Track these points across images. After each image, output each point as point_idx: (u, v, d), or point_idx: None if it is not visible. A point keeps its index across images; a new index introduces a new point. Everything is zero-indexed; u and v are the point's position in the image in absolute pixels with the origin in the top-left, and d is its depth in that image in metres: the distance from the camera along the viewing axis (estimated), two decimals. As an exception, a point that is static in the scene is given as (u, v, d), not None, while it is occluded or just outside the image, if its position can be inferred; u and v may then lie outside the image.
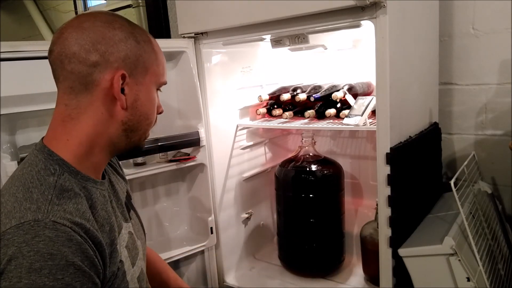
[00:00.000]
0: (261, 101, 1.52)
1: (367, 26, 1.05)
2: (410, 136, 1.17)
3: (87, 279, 0.63)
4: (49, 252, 0.59)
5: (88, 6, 3.24)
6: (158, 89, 0.78)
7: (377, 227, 1.18)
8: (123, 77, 0.70)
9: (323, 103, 1.37)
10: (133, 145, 0.77)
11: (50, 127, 0.72)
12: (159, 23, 2.01)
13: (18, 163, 1.01)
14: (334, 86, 1.39)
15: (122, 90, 0.70)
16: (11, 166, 1.01)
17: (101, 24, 0.70)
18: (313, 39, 1.24)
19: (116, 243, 0.73)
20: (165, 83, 0.80)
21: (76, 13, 3.24)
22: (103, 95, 0.69)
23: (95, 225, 0.67)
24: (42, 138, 0.73)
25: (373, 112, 1.25)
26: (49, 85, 1.05)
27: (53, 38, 0.70)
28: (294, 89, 1.50)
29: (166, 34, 2.03)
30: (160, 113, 0.81)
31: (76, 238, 0.62)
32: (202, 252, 1.47)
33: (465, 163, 1.18)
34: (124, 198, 0.86)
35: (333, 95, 1.33)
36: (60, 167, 0.68)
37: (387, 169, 1.06)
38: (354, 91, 1.37)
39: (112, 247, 0.71)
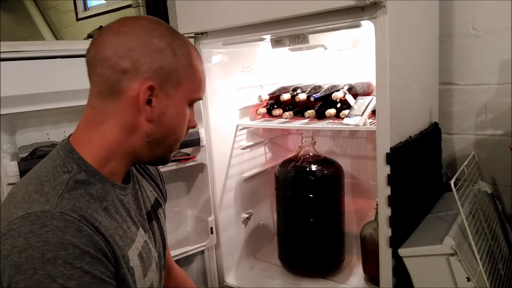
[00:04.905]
0: (261, 101, 1.52)
1: (367, 26, 1.05)
2: (410, 136, 1.17)
3: (105, 267, 0.62)
4: (59, 241, 0.58)
5: (88, 6, 3.24)
6: (191, 104, 0.75)
7: (377, 227, 1.18)
8: (151, 88, 0.67)
9: (323, 103, 1.37)
10: (156, 158, 0.75)
11: (77, 126, 0.72)
12: (159, 23, 2.01)
13: (18, 163, 1.01)
14: (334, 86, 1.39)
15: (150, 102, 0.68)
16: (11, 166, 1.01)
17: (140, 30, 0.68)
18: (313, 39, 1.24)
19: (127, 249, 0.70)
20: (199, 99, 0.76)
21: (76, 13, 3.24)
22: (129, 104, 0.67)
23: (105, 225, 0.65)
24: (70, 135, 0.72)
25: (373, 112, 1.25)
26: (49, 85, 1.07)
27: (93, 39, 0.70)
28: (294, 89, 1.50)
29: (166, 34, 2.03)
30: (192, 127, 0.78)
31: (86, 229, 0.61)
32: (202, 252, 1.47)
33: (465, 163, 1.18)
34: (149, 208, 0.83)
35: (333, 95, 1.33)
36: (78, 166, 0.67)
37: (387, 169, 1.06)
38: (354, 91, 1.37)
39: (123, 252, 0.69)
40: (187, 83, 0.71)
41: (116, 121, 0.68)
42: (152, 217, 0.84)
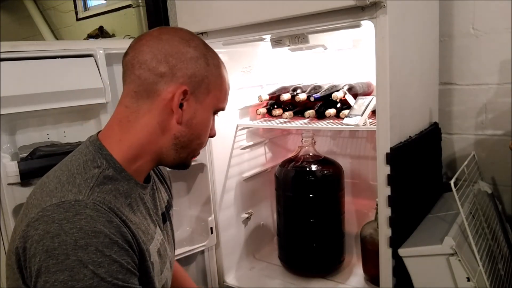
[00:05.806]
0: (261, 101, 1.52)
1: (367, 26, 1.05)
2: (410, 136, 1.17)
3: (131, 258, 0.65)
4: (92, 229, 0.60)
5: (88, 6, 3.24)
6: (215, 113, 0.81)
7: (377, 227, 1.18)
8: (185, 93, 0.72)
9: (323, 103, 1.37)
10: (180, 161, 0.78)
11: (107, 124, 0.75)
12: (159, 23, 2.01)
13: (18, 163, 1.01)
14: (334, 86, 1.39)
15: (181, 106, 0.73)
16: (11, 166, 1.00)
17: (178, 39, 0.73)
18: (313, 39, 1.24)
19: (149, 244, 0.74)
20: (223, 109, 0.82)
21: (76, 13, 3.24)
22: (162, 105, 0.71)
23: (131, 219, 0.69)
24: (98, 132, 0.75)
25: (373, 112, 1.25)
26: (49, 85, 1.07)
27: (132, 42, 0.74)
28: (294, 89, 1.50)
29: (166, 34, 2.02)
30: (212, 136, 0.84)
31: (115, 220, 0.64)
32: (202, 252, 1.48)
33: (465, 163, 1.18)
34: (163, 208, 0.86)
35: (333, 95, 1.33)
36: (107, 162, 0.70)
37: (387, 169, 1.06)
38: (354, 91, 1.37)
39: (146, 246, 0.72)
40: (215, 92, 0.77)
41: (148, 121, 0.72)
42: (166, 218, 0.87)
